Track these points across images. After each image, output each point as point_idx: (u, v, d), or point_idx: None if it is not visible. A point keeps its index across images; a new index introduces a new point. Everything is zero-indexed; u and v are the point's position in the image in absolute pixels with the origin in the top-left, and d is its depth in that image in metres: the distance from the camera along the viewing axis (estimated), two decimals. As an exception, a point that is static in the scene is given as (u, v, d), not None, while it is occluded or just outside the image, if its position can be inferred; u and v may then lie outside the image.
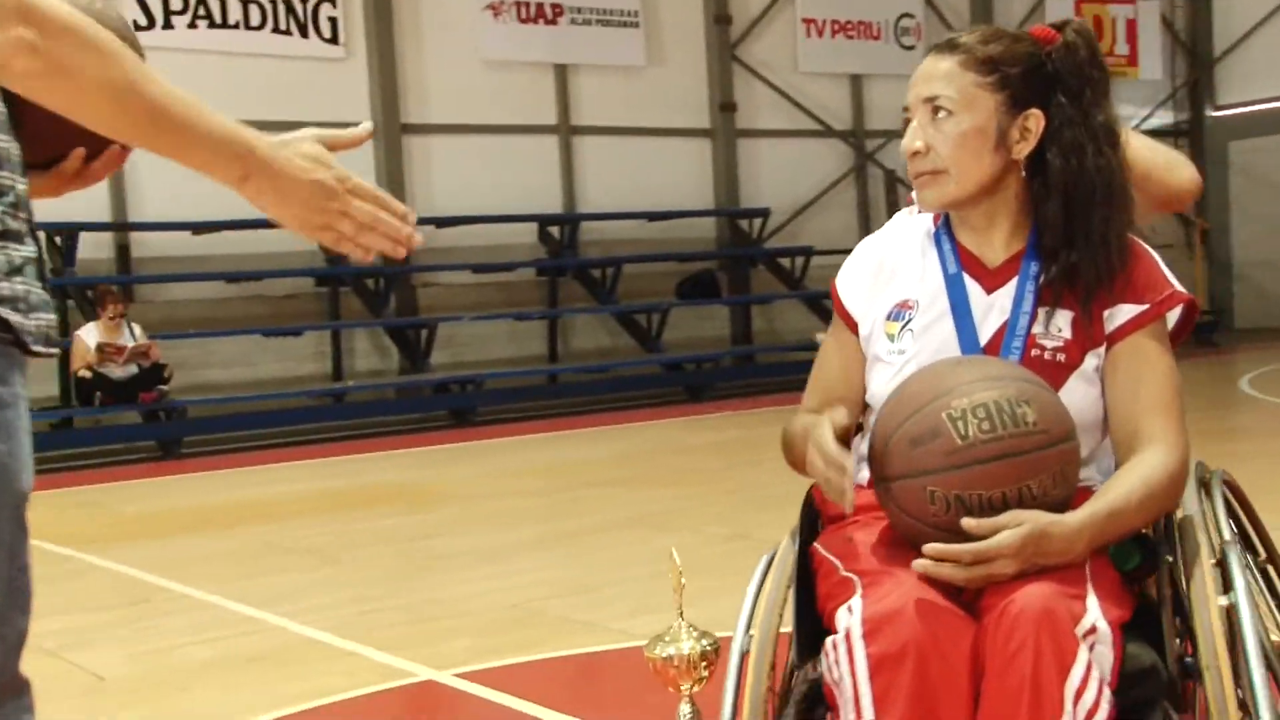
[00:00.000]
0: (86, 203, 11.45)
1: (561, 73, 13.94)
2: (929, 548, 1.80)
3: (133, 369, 10.15)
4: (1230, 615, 1.91)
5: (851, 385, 2.15)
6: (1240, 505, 2.86)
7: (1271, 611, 2.85)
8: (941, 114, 2.00)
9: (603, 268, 13.58)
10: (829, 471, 1.86)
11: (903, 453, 1.86)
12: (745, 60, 15.14)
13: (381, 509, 7.42)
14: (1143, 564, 1.95)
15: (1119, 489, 1.89)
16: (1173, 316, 2.10)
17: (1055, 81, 2.02)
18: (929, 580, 1.80)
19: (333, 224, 1.47)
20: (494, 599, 5.06)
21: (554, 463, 9.22)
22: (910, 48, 16.69)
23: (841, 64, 16.25)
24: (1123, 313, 2.01)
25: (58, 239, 11.18)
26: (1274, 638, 2.62)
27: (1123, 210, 2.03)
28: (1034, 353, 2.00)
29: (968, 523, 1.79)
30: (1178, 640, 1.91)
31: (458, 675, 4.00)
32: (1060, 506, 1.84)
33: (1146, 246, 2.09)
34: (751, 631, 2.02)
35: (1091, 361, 2.01)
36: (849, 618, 1.80)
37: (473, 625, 4.65)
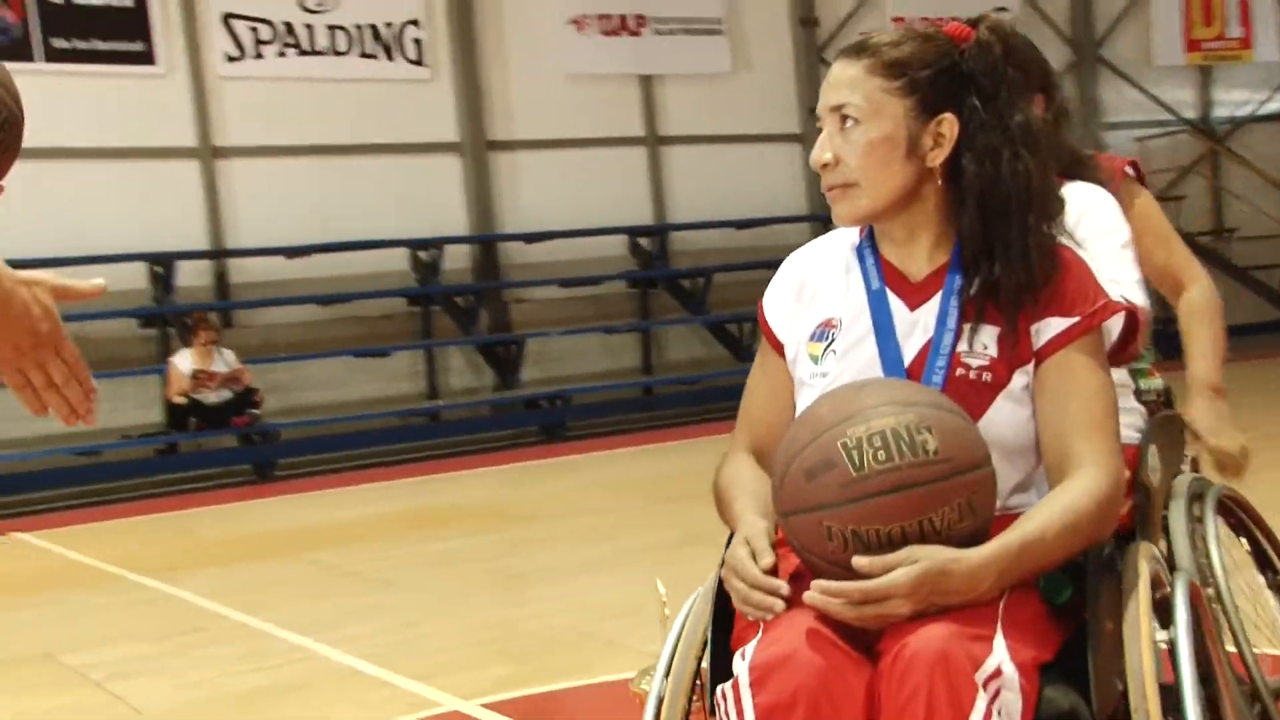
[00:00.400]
0: (184, 232, 11.77)
1: (646, 83, 13.89)
2: (816, 584, 1.69)
3: (226, 394, 10.35)
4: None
5: (781, 412, 2.04)
6: (1253, 522, 2.70)
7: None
8: (849, 123, 1.89)
9: (694, 278, 13.50)
10: (756, 596, 1.75)
11: (798, 485, 1.75)
12: (830, 61, 14.91)
13: (457, 529, 7.43)
14: (1074, 597, 1.81)
15: (1035, 520, 1.76)
16: (1115, 329, 1.97)
17: (969, 83, 1.90)
18: (826, 620, 1.70)
19: (26, 370, 1.51)
20: (545, 621, 5.01)
21: (640, 478, 9.15)
22: (1009, 41, 16.31)
23: (936, 60, 15.91)
24: (1051, 327, 1.88)
25: (158, 268, 11.47)
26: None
27: (1044, 217, 1.90)
28: (959, 372, 1.88)
29: (859, 561, 1.68)
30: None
31: (484, 705, 3.96)
32: (971, 540, 1.72)
33: (1080, 255, 1.95)
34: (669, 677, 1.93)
35: (1020, 380, 1.88)
36: (741, 664, 1.71)
37: (513, 651, 4.60)
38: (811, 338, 1.99)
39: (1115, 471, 1.83)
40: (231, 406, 10.34)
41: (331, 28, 12.55)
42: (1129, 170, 2.99)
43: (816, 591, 1.68)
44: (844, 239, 2.05)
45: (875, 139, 1.88)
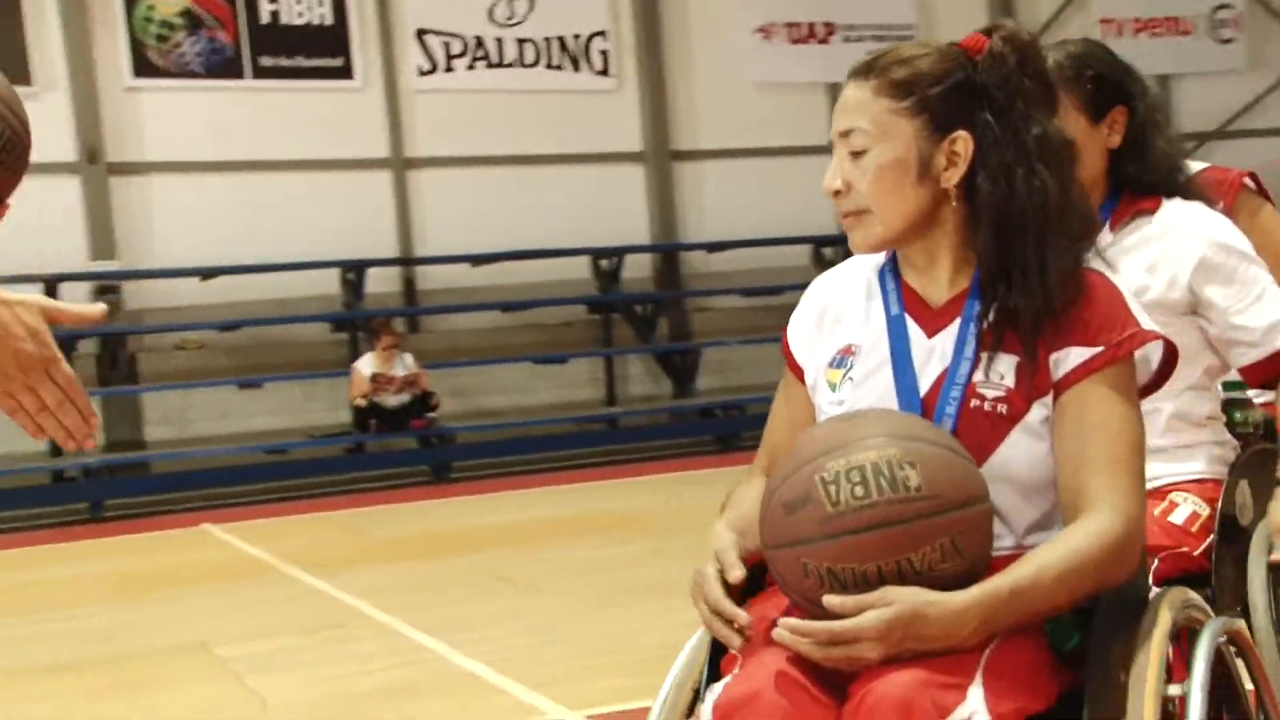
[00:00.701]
0: (376, 240, 12.19)
1: (834, 91, 13.65)
2: (784, 622, 1.64)
3: (404, 397, 10.67)
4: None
5: None
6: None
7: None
8: (858, 147, 1.83)
9: (878, 288, 13.27)
10: (716, 624, 1.72)
11: (778, 519, 1.70)
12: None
13: (618, 536, 7.48)
14: (1082, 643, 1.71)
15: (1032, 563, 1.66)
16: (1154, 358, 1.85)
17: (983, 97, 1.81)
18: (800, 660, 1.64)
19: (15, 393, 1.48)
20: (670, 634, 4.94)
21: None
22: (1228, 41, 15.58)
23: (1146, 64, 14.74)
24: (1072, 357, 1.77)
25: (350, 275, 11.91)
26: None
27: (1065, 237, 1.79)
28: (973, 403, 1.79)
29: (830, 600, 1.62)
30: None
31: (589, 717, 3.98)
32: (957, 582, 1.63)
33: (1113, 278, 1.84)
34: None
35: (1038, 413, 1.78)
36: (708, 701, 1.67)
37: (631, 662, 4.60)
38: (830, 364, 1.92)
39: (1132, 513, 1.71)
40: (409, 409, 10.66)
41: (520, 40, 12.82)
42: (1248, 182, 2.81)
43: (785, 629, 1.63)
44: (870, 262, 1.98)
45: (885, 163, 1.80)
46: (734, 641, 1.69)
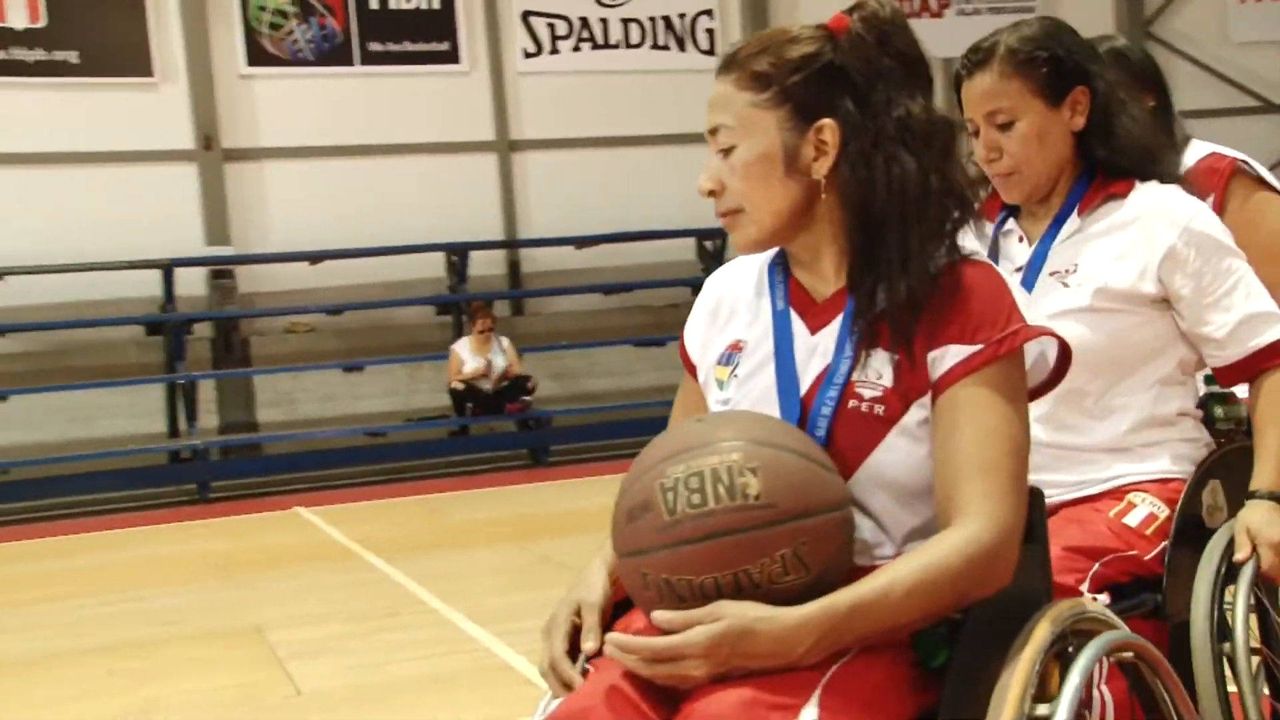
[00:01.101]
0: (480, 223, 12.26)
1: (949, 68, 13.28)
2: (610, 638, 1.55)
3: (500, 381, 10.71)
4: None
5: None
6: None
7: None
8: (725, 145, 1.72)
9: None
10: (550, 679, 1.63)
11: (620, 526, 1.61)
12: (1162, 36, 13.93)
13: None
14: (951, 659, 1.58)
15: (882, 577, 1.53)
16: (1052, 355, 1.70)
17: (847, 81, 1.68)
18: (636, 676, 1.54)
19: None
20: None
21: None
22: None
23: (1290, 30, 14.70)
24: (950, 356, 1.64)
25: (454, 258, 11.99)
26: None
27: (931, 226, 1.65)
28: (851, 404, 1.67)
29: (657, 616, 1.52)
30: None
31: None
32: (804, 596, 1.52)
33: (1000, 271, 1.69)
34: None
35: (916, 414, 1.65)
36: (539, 715, 1.59)
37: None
38: (719, 361, 1.82)
39: (1002, 521, 1.57)
40: (505, 393, 10.69)
41: (625, 21, 12.76)
42: (1243, 166, 2.62)
43: (612, 645, 1.53)
44: (765, 257, 1.87)
45: (750, 160, 1.69)
46: (561, 696, 1.60)
